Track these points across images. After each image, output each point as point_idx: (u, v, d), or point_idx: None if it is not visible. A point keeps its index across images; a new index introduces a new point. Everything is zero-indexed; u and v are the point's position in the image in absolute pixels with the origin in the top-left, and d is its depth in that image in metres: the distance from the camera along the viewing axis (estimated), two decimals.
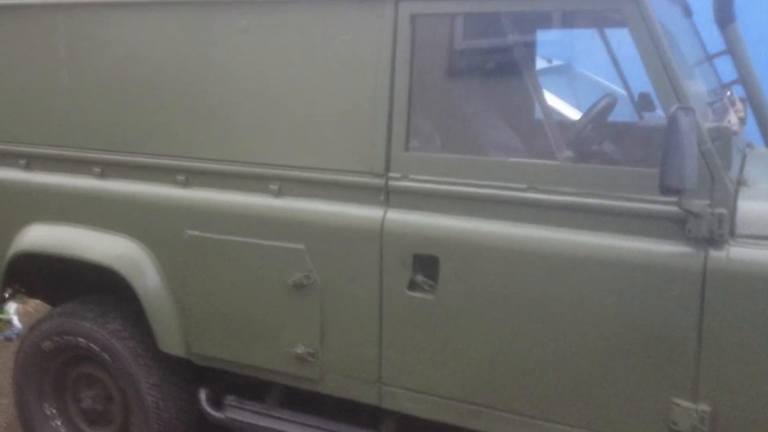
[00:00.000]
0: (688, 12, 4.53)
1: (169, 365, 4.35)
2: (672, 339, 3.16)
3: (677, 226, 3.13)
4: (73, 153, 4.33)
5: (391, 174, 3.61)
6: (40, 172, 4.47)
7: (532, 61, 4.72)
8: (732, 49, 4.49)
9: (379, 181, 3.63)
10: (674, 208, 3.08)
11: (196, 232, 4.00)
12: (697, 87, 3.78)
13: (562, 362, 3.37)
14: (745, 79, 4.48)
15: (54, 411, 4.72)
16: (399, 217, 3.60)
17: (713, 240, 3.08)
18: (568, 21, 4.99)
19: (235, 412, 4.22)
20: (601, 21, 4.64)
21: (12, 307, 7.03)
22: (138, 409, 4.36)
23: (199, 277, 4.06)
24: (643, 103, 4.78)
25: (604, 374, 3.31)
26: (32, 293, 5.34)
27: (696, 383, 3.17)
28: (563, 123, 4.99)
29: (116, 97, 4.19)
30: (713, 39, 4.52)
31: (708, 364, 3.13)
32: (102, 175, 4.26)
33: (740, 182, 3.33)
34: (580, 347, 3.32)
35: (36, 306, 7.11)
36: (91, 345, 4.38)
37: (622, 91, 4.95)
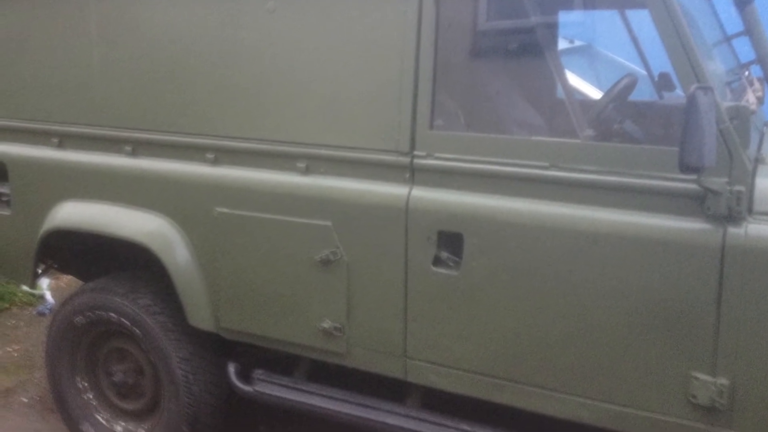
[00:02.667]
0: None
1: (198, 340, 4.43)
2: (691, 314, 3.22)
3: (696, 204, 3.18)
4: (105, 132, 4.43)
5: (416, 152, 3.67)
6: (72, 151, 4.56)
7: (555, 42, 4.75)
8: (750, 30, 4.53)
9: (405, 159, 3.69)
10: (693, 186, 3.13)
11: (225, 209, 4.07)
12: (716, 67, 3.83)
13: (583, 336, 3.43)
14: (762, 59, 4.53)
15: (86, 384, 4.82)
16: (424, 194, 3.67)
17: (731, 217, 3.14)
18: (590, 2, 5.02)
19: (264, 385, 4.28)
20: (622, 2, 4.68)
21: (45, 282, 7.14)
22: (168, 383, 4.44)
23: (228, 254, 4.14)
24: (663, 83, 4.81)
25: (625, 348, 3.37)
26: (64, 269, 5.45)
27: (715, 357, 3.22)
28: (585, 102, 5.02)
29: (147, 77, 4.27)
30: (731, 20, 4.56)
31: (726, 338, 3.19)
32: (133, 154, 4.35)
33: (758, 160, 3.37)
34: (602, 322, 3.39)
35: (68, 281, 7.22)
36: (123, 320, 4.47)
37: (643, 71, 4.98)
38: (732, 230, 3.14)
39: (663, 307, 3.27)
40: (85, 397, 4.81)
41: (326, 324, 3.93)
